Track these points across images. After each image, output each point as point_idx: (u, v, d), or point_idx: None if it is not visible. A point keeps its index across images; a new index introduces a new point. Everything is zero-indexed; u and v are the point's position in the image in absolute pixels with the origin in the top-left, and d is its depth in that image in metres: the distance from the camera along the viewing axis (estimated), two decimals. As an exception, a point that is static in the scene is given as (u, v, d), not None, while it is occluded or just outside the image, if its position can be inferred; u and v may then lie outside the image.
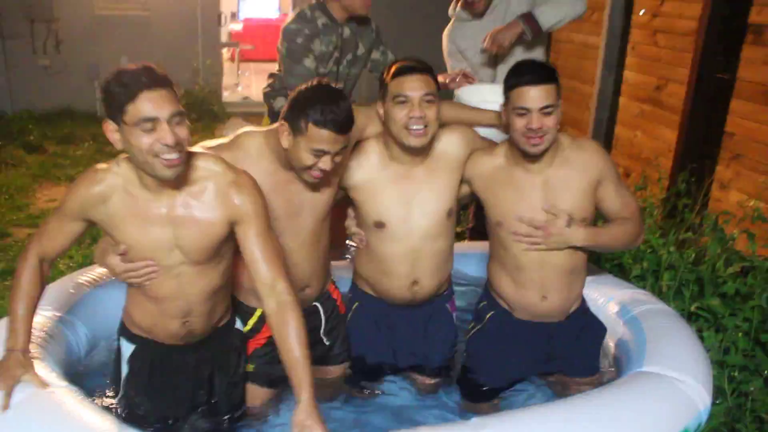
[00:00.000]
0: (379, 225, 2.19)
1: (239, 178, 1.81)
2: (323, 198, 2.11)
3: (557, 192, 2.11)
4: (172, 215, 1.76)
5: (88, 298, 2.40)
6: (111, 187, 1.75)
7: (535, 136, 1.99)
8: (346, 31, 2.97)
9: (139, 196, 1.75)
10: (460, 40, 3.06)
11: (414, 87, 2.03)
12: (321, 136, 1.84)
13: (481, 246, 2.77)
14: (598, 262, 3.07)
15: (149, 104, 1.57)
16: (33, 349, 1.94)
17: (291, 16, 2.98)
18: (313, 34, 2.86)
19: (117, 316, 2.10)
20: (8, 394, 1.69)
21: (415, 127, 2.04)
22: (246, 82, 10.51)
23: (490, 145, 2.26)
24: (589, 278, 2.44)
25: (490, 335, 2.32)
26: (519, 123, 2.01)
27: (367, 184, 2.19)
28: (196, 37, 7.84)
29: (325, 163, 1.88)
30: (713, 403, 2.11)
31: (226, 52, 11.49)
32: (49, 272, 1.90)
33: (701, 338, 2.52)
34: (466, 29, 3.04)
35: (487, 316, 2.33)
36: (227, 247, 1.89)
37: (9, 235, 4.18)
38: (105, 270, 2.29)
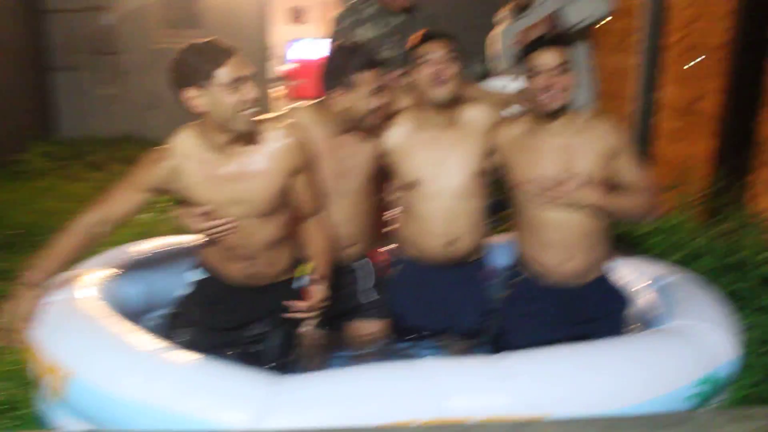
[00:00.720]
0: (414, 184, 2.37)
1: (293, 134, 2.09)
2: (366, 159, 2.36)
3: (575, 155, 2.24)
4: (240, 171, 2.01)
5: (146, 263, 2.60)
6: (182, 158, 2.00)
7: (548, 93, 2.17)
8: (400, 20, 3.11)
9: (209, 159, 2.00)
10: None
11: (436, 48, 2.29)
12: (366, 78, 2.18)
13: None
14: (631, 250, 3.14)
15: (236, 67, 1.89)
16: (95, 300, 2.14)
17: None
18: (357, 23, 3.03)
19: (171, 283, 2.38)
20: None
21: (440, 78, 2.28)
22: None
23: (514, 117, 2.43)
24: (622, 260, 2.55)
25: (517, 300, 2.43)
26: (534, 84, 2.20)
27: (402, 146, 2.40)
28: (249, 70, 8.21)
29: (380, 97, 2.24)
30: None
31: (278, 91, 11.93)
32: (105, 236, 2.08)
33: (741, 318, 2.55)
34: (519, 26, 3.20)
35: (514, 281, 2.46)
36: (286, 201, 2.11)
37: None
38: (157, 243, 2.59)
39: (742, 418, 1.61)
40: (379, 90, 2.24)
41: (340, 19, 3.09)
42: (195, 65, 1.88)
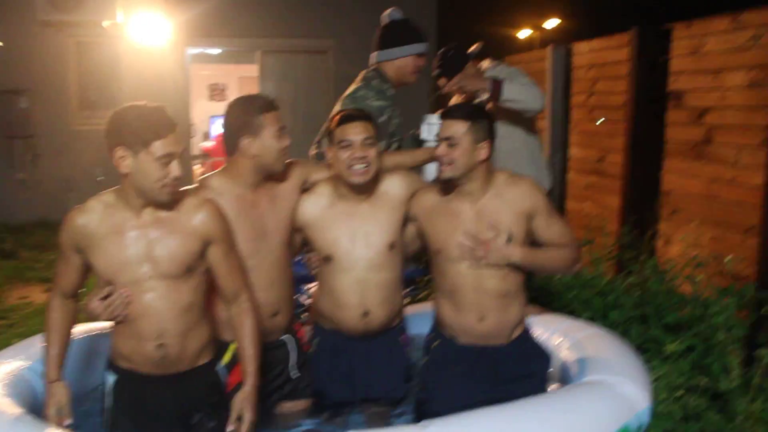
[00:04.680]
0: (328, 258, 2.40)
1: (208, 203, 2.09)
2: (283, 221, 2.36)
3: (493, 218, 2.29)
4: (148, 230, 1.99)
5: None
6: (91, 213, 1.99)
7: (440, 163, 2.27)
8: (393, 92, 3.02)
9: (117, 215, 1.98)
10: None
11: (356, 132, 2.30)
12: (270, 119, 2.24)
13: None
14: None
15: (171, 142, 1.92)
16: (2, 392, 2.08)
17: (358, 85, 2.97)
18: (393, 112, 2.92)
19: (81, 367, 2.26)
20: (67, 407, 2.03)
21: (357, 167, 2.30)
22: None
23: (429, 185, 2.50)
24: (536, 318, 2.61)
25: (437, 363, 2.44)
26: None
27: (318, 221, 2.41)
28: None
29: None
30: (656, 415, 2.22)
31: (199, 168, 11.86)
32: (74, 306, 2.14)
33: (649, 368, 2.65)
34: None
35: (433, 345, 2.47)
36: (197, 265, 2.06)
37: (-19, 326, 4.26)
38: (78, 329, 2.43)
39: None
40: (283, 130, 2.26)
41: (380, 111, 2.87)
42: (135, 129, 1.89)
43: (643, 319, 3.02)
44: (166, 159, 1.90)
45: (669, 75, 4.08)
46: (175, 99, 8.04)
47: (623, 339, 2.55)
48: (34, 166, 7.75)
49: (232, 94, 13.52)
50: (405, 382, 2.55)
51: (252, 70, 9.04)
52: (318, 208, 2.42)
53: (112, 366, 2.12)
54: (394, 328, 2.53)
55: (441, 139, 2.27)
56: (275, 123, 2.23)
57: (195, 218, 2.03)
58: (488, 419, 1.97)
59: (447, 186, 2.37)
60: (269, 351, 2.30)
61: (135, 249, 1.98)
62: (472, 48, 3.35)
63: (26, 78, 7.51)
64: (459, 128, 2.25)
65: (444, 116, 2.30)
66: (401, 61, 2.99)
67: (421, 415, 2.43)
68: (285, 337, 2.41)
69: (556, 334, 2.63)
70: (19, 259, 6.18)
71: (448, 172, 2.27)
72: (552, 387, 2.53)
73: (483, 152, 2.26)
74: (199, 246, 2.04)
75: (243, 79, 13.10)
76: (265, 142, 2.22)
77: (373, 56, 3.03)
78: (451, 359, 2.40)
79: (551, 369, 2.49)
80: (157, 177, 1.90)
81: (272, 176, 2.32)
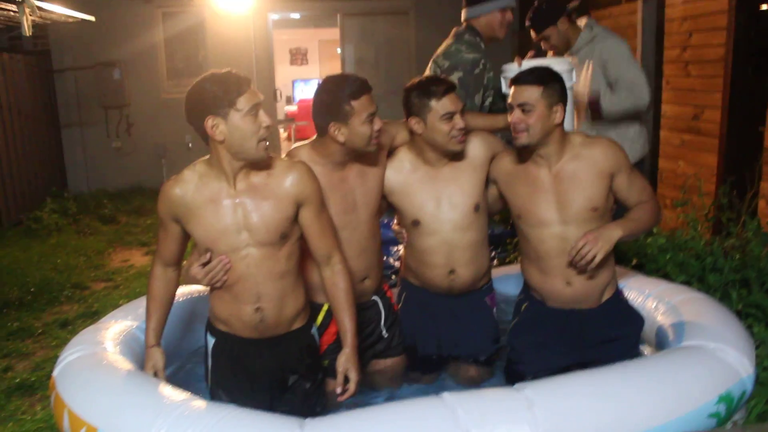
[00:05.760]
0: (416, 222, 2.43)
1: (298, 164, 2.11)
2: (372, 194, 2.38)
3: (567, 184, 2.26)
4: (243, 198, 2.02)
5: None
6: (187, 183, 2.04)
7: (514, 130, 2.23)
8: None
9: (212, 185, 2.03)
10: None
11: (456, 103, 2.32)
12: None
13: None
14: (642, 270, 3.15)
15: (252, 95, 1.96)
16: (116, 350, 2.23)
17: (451, 41, 2.94)
18: (486, 64, 2.87)
19: (184, 327, 2.39)
20: (162, 371, 2.15)
21: (460, 136, 2.33)
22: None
23: (508, 149, 2.47)
24: (630, 280, 2.55)
25: (526, 325, 2.45)
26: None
27: (403, 187, 2.44)
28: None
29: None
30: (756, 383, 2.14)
31: (283, 132, 12.08)
32: (176, 275, 2.22)
33: (752, 334, 2.55)
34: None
35: (523, 307, 2.48)
36: (291, 231, 2.10)
37: (87, 287, 4.56)
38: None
39: (760, 435, 1.61)
40: (373, 115, 2.20)
41: (473, 63, 2.82)
42: (217, 95, 1.93)
43: (744, 283, 2.89)
44: (254, 110, 1.95)
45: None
46: (259, 64, 8.21)
47: (722, 304, 2.47)
48: (128, 135, 8.11)
49: (313, 58, 13.64)
50: (493, 344, 2.58)
51: (333, 33, 9.08)
52: (402, 175, 2.44)
53: (211, 329, 2.21)
54: (480, 289, 2.56)
55: (515, 105, 2.22)
56: (365, 109, 2.17)
57: (286, 181, 2.06)
58: (581, 382, 1.95)
59: (524, 151, 2.33)
60: (361, 312, 2.35)
61: (232, 218, 2.02)
62: (572, 3, 3.26)
63: (118, 50, 7.82)
64: (533, 93, 2.20)
65: (516, 82, 2.25)
66: (488, 17, 2.94)
67: (511, 376, 2.45)
68: (375, 297, 2.47)
69: (651, 298, 2.58)
70: (119, 224, 6.53)
71: (524, 139, 2.22)
72: (647, 352, 2.49)
73: (558, 116, 2.22)
74: (293, 209, 2.07)
75: (323, 42, 13.18)
76: (353, 129, 2.17)
77: (463, 13, 3.00)
78: (540, 322, 2.41)
79: (645, 333, 2.45)
80: (252, 130, 1.94)
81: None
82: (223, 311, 2.14)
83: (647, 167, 5.46)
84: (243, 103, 1.93)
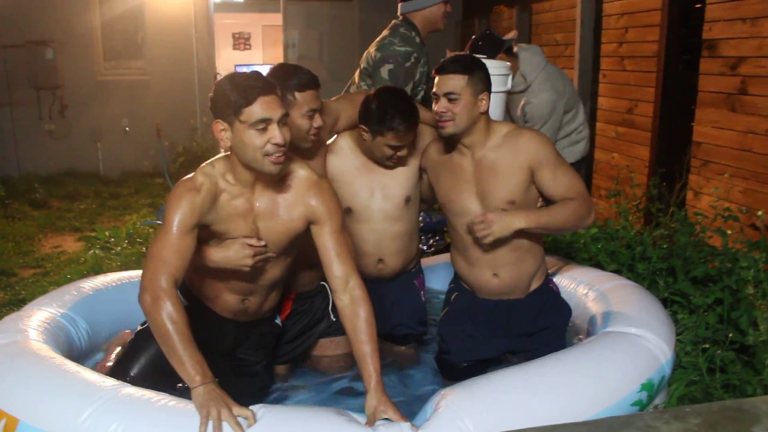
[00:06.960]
0: (348, 210, 2.44)
1: (320, 182, 2.01)
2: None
3: (487, 174, 2.24)
4: (258, 209, 1.96)
5: (89, 299, 2.55)
6: (214, 187, 1.90)
7: (440, 119, 2.21)
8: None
9: (233, 192, 1.93)
10: None
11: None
12: (306, 98, 2.17)
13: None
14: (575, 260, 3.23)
15: (264, 107, 1.78)
16: (39, 339, 2.13)
17: (386, 33, 2.94)
18: (420, 58, 2.86)
19: (114, 315, 2.45)
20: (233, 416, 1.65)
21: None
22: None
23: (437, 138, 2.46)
24: (563, 269, 2.60)
25: (455, 315, 2.48)
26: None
27: (341, 175, 2.45)
28: (194, 98, 8.19)
29: (317, 119, 2.20)
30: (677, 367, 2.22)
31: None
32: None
33: (675, 320, 2.64)
34: None
35: (453, 297, 2.50)
36: (298, 244, 2.08)
37: (15, 274, 4.38)
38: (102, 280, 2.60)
39: (680, 417, 1.66)
40: (317, 112, 2.16)
41: (405, 56, 2.84)
42: (227, 99, 1.78)
43: (670, 271, 2.99)
44: (262, 124, 1.78)
45: (703, 23, 3.95)
46: (199, 49, 8.02)
47: (649, 291, 2.55)
48: (62, 117, 7.82)
49: (256, 43, 13.42)
50: (419, 325, 2.65)
51: (276, 18, 8.95)
52: (341, 161, 2.47)
53: (187, 294, 2.13)
54: (409, 271, 2.62)
55: (440, 95, 2.20)
56: (308, 104, 2.13)
57: (302, 199, 1.97)
58: (507, 378, 1.93)
59: (450, 140, 2.32)
60: (308, 297, 2.49)
61: (246, 227, 1.96)
62: (508, 35, 3.32)
63: (51, 29, 7.49)
64: (458, 82, 2.18)
65: (440, 71, 2.21)
66: (432, 9, 2.95)
67: (442, 366, 2.49)
68: (324, 282, 2.46)
69: (582, 285, 2.64)
70: (50, 209, 6.30)
71: (451, 129, 2.20)
72: (576, 339, 2.55)
73: (483, 104, 2.21)
74: (303, 226, 2.00)
75: (267, 27, 12.97)
76: (292, 121, 2.08)
77: (400, 8, 2.99)
78: (469, 312, 2.43)
79: (574, 321, 2.51)
80: (256, 145, 1.79)
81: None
82: (209, 292, 2.12)
83: (587, 165, 5.62)
84: (248, 114, 1.77)
